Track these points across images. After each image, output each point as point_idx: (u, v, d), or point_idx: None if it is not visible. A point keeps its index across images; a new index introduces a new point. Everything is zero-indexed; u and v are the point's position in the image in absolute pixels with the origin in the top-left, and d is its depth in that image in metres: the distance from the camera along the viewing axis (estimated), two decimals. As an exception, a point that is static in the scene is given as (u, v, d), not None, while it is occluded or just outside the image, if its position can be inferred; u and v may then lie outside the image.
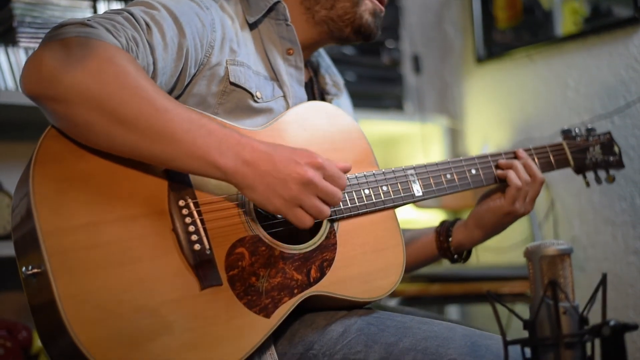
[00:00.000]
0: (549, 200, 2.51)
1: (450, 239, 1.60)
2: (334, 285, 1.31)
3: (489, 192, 1.59)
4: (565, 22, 2.59)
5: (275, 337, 1.30)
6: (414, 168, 1.47)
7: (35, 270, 1.08)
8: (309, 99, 1.52)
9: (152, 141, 1.14)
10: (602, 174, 1.71)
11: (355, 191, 1.38)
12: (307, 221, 1.21)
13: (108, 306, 1.09)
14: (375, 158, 1.47)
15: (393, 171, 1.44)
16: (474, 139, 2.90)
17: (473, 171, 1.54)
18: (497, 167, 1.56)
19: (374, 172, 1.42)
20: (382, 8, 1.54)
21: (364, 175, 1.40)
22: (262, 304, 1.22)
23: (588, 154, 1.69)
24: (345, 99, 1.71)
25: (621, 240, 2.32)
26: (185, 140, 1.14)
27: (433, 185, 1.48)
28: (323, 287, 1.30)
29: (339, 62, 2.50)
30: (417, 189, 1.46)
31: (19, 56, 2.00)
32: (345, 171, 1.29)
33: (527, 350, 1.05)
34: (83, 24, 1.17)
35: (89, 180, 1.15)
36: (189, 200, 1.21)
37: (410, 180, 1.45)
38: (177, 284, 1.16)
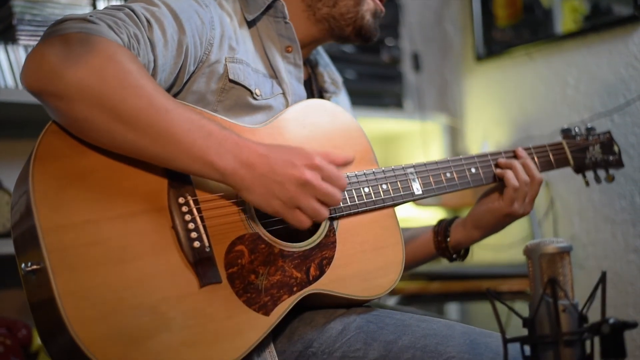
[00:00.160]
0: (548, 198, 2.51)
1: (448, 239, 1.60)
2: (333, 283, 1.31)
3: (488, 192, 1.59)
4: (565, 20, 2.59)
5: (274, 335, 1.30)
6: (413, 166, 1.47)
7: (35, 267, 1.08)
8: (308, 97, 1.52)
9: (152, 140, 1.14)
10: (601, 173, 1.70)
11: (355, 189, 1.38)
12: (305, 223, 1.21)
13: (108, 303, 1.09)
14: (375, 156, 1.46)
15: (393, 169, 1.44)
16: (474, 137, 2.90)
17: (473, 170, 1.54)
18: (497, 166, 1.56)
19: (373, 170, 1.42)
20: (383, 9, 1.54)
21: (364, 174, 1.40)
22: (261, 302, 1.22)
23: (588, 153, 1.68)
24: (343, 97, 1.71)
25: (621, 238, 2.32)
26: (185, 141, 1.14)
27: (433, 184, 1.48)
28: (322, 285, 1.30)
29: (339, 60, 2.51)
30: (416, 188, 1.46)
31: (19, 54, 1.99)
32: (347, 163, 1.28)
33: (527, 348, 1.05)
34: (85, 19, 1.17)
35: (89, 177, 1.15)
36: (189, 197, 1.20)
37: (410, 179, 1.45)
38: (177, 281, 1.16)
